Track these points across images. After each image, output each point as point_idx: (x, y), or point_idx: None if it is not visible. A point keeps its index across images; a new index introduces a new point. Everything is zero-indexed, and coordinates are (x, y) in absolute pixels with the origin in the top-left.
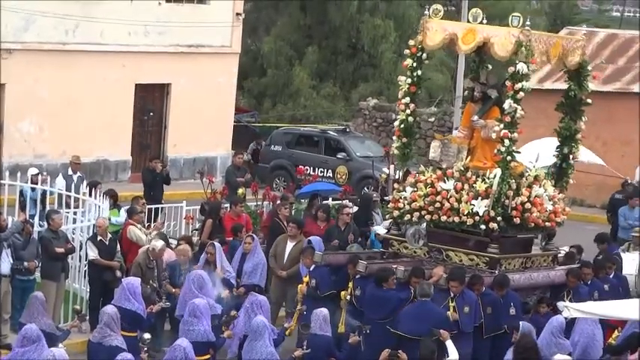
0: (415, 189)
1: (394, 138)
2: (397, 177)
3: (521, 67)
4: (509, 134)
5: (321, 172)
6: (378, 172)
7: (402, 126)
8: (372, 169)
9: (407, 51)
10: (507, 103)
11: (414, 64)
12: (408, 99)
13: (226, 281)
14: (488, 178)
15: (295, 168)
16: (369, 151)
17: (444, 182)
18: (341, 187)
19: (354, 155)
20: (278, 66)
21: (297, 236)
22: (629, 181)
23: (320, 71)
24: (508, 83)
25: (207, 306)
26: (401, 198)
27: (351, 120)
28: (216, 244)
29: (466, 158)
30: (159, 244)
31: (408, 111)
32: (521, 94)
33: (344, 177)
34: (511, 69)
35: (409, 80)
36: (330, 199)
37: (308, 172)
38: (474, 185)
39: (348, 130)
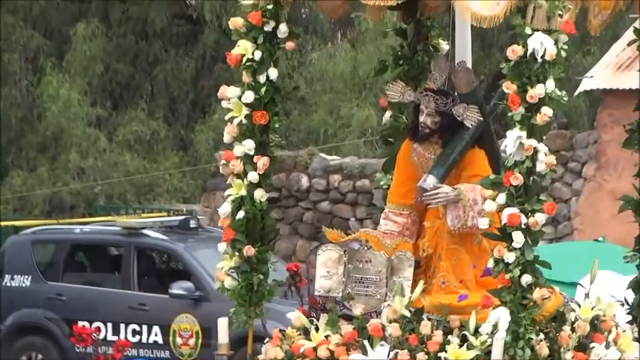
0: None
1: (223, 248)
2: None
3: (539, 41)
4: (525, 217)
5: (135, 331)
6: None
7: (239, 218)
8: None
9: (235, 23)
10: (511, 138)
11: (260, 51)
12: (250, 147)
13: None
14: (478, 333)
15: (71, 328)
16: None
17: (363, 352)
18: None
19: (212, 286)
20: None
21: None
22: None
23: (106, 81)
24: (508, 87)
25: None
26: None
27: (202, 197)
28: None
29: (412, 285)
30: None
31: (250, 178)
32: (546, 113)
33: (191, 341)
34: (513, 51)
35: (248, 98)
36: None
37: (101, 335)
38: (442, 356)
39: (194, 222)
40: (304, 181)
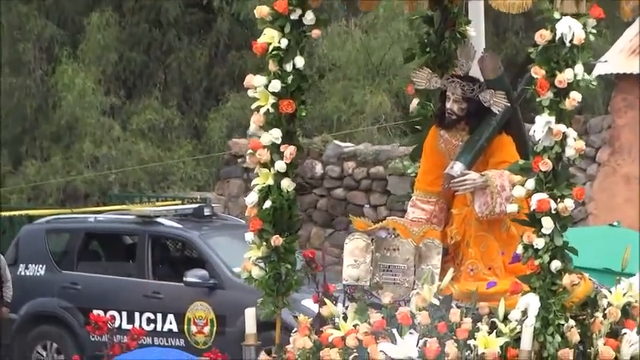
0: None
1: (250, 238)
2: None
3: (567, 25)
4: (554, 202)
5: (150, 320)
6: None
7: (266, 208)
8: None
9: (261, 11)
10: (540, 124)
11: (286, 40)
12: (277, 136)
13: None
14: (507, 320)
15: (86, 317)
16: None
17: (392, 341)
18: (203, 355)
19: (227, 274)
20: None
21: None
22: None
23: (121, 68)
24: (536, 71)
25: None
26: None
27: (216, 184)
28: None
29: (441, 273)
30: None
31: (277, 167)
32: (574, 98)
33: (206, 329)
34: (541, 35)
35: (275, 87)
36: None
37: (115, 324)
38: (472, 343)
39: (208, 210)
40: (318, 168)
